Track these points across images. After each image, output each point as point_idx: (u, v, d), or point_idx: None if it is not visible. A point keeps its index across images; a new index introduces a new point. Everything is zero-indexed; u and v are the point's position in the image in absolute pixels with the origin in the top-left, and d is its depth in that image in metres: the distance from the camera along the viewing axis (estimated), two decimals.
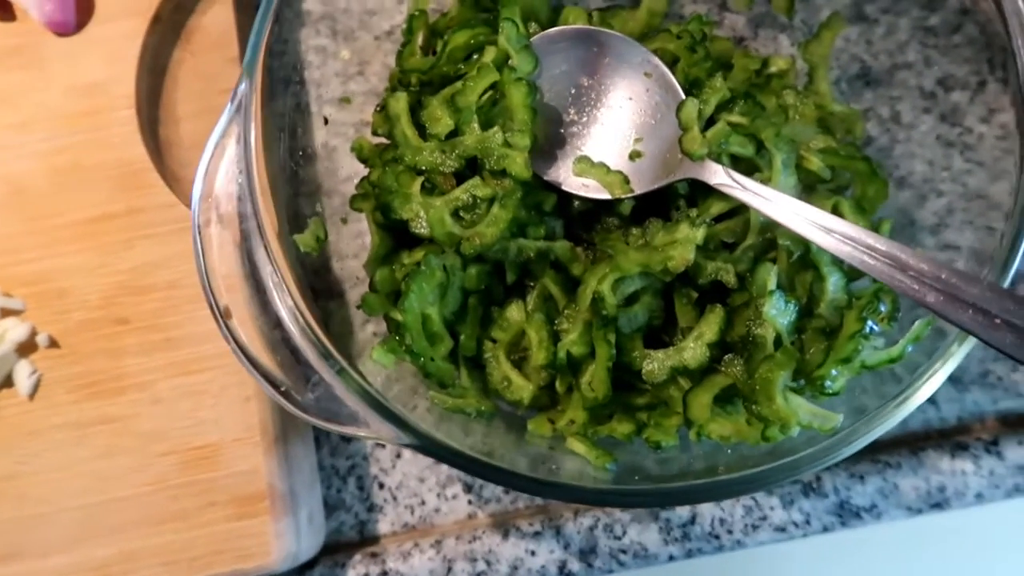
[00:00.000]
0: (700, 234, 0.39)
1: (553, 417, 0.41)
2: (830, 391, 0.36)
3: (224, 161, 0.38)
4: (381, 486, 0.47)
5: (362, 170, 0.46)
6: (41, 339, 0.43)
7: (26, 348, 0.43)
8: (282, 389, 0.36)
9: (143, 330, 0.43)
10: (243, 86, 0.38)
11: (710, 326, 0.39)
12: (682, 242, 0.39)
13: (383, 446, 0.47)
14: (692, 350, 0.39)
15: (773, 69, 0.45)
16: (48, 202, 0.44)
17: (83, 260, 0.44)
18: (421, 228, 0.41)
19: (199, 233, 0.36)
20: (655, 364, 0.39)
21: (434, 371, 0.40)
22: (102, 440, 0.42)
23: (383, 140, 0.46)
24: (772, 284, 0.38)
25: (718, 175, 0.39)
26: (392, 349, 0.39)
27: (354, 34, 0.53)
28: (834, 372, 0.36)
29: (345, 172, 0.48)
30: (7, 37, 0.47)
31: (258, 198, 0.36)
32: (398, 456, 0.47)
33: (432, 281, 0.41)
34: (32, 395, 0.42)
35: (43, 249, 0.44)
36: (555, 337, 0.41)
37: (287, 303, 0.36)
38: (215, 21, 0.47)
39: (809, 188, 0.42)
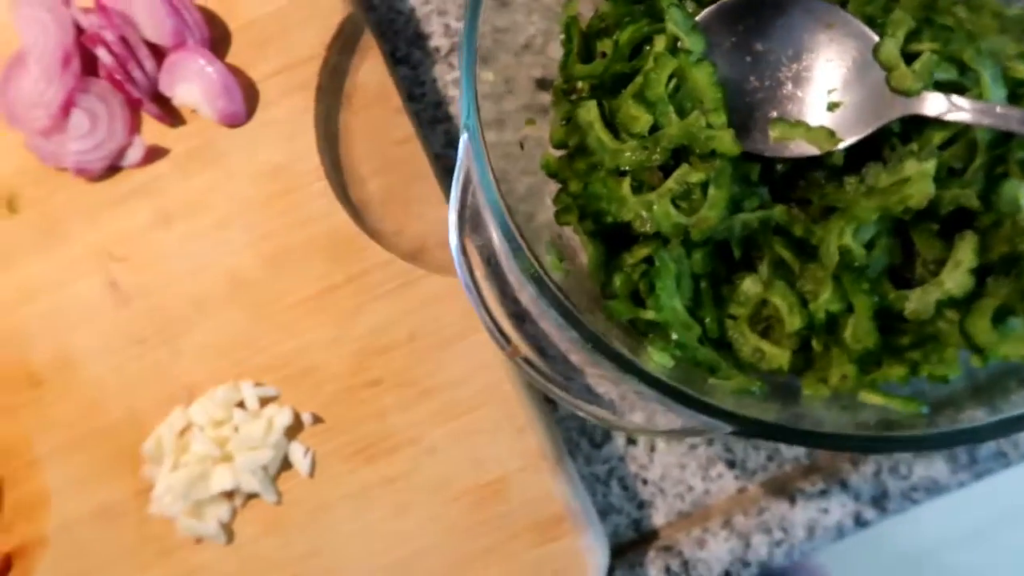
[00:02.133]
0: (932, 166, 0.39)
1: (821, 376, 0.41)
2: None
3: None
4: (645, 482, 0.47)
5: (538, 184, 0.47)
6: (305, 418, 0.44)
7: (294, 430, 0.44)
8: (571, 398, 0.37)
9: (398, 387, 0.44)
10: (464, 137, 0.39)
11: (967, 252, 0.39)
12: (916, 178, 0.39)
13: (635, 442, 0.48)
14: (954, 279, 0.39)
15: None
16: (270, 288, 0.45)
17: (320, 335, 0.45)
18: (646, 226, 0.42)
19: (468, 273, 0.37)
20: (918, 301, 0.39)
21: (703, 359, 0.40)
22: (389, 499, 0.43)
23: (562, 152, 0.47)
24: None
25: (937, 103, 0.39)
26: (664, 348, 0.39)
27: (491, 55, 0.54)
28: None
29: (520, 191, 0.49)
30: (181, 142, 0.48)
31: (515, 236, 0.37)
32: (652, 449, 0.48)
33: (670, 274, 0.41)
34: (312, 473, 0.44)
35: (279, 334, 0.45)
36: (801, 300, 0.41)
37: (557, 320, 0.36)
38: (370, 77, 0.48)
39: (1014, 97, 0.42)
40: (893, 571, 1.16)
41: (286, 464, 0.44)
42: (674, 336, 0.40)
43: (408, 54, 0.54)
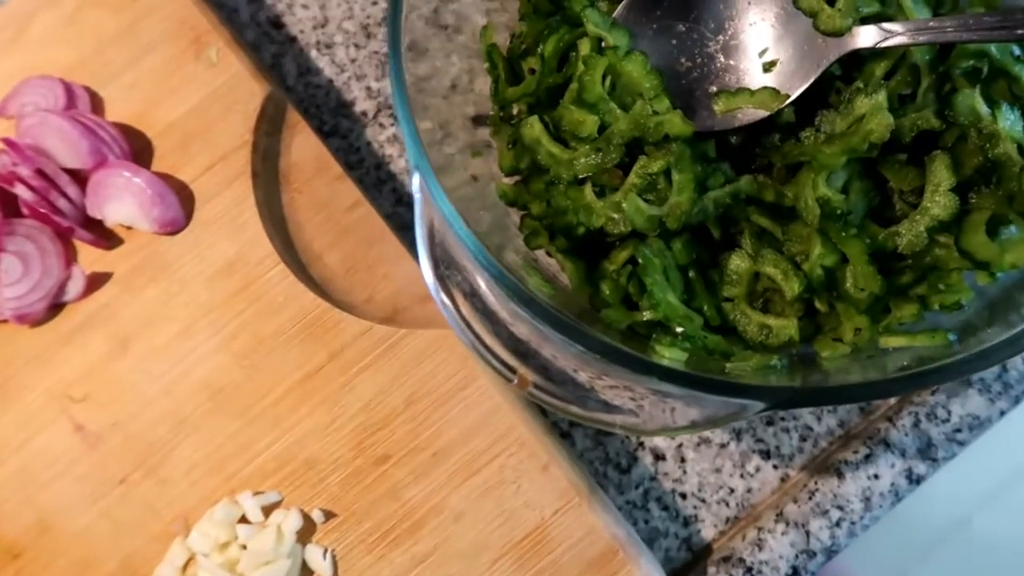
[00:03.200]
0: (883, 96, 0.38)
1: (835, 336, 0.40)
2: None
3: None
4: (684, 496, 0.45)
5: (499, 217, 0.45)
6: (316, 516, 0.41)
7: (306, 532, 0.40)
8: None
9: (407, 457, 0.41)
10: (415, 178, 0.37)
11: (942, 172, 0.38)
12: (871, 112, 0.38)
13: (663, 457, 0.45)
14: (938, 203, 0.38)
15: None
16: (250, 388, 0.43)
17: (312, 423, 0.42)
18: (619, 227, 0.40)
19: (458, 316, 0.35)
20: (908, 234, 0.38)
21: (714, 345, 0.38)
22: None
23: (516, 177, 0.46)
24: (982, 104, 0.37)
25: (870, 34, 0.39)
26: (673, 343, 0.37)
27: (422, 104, 0.53)
28: None
29: (484, 228, 0.47)
30: (123, 261, 0.45)
31: (494, 262, 0.35)
32: (683, 460, 0.45)
33: (656, 269, 0.40)
34: (336, 573, 0.40)
35: (270, 433, 0.42)
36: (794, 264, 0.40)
37: (559, 338, 0.34)
38: (304, 152, 0.47)
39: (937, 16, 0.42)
40: (921, 558, 1.13)
41: (307, 571, 0.40)
42: (679, 329, 0.38)
43: (336, 125, 0.53)
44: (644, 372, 0.33)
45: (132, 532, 0.42)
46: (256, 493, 0.41)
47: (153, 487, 0.42)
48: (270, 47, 0.54)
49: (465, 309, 0.37)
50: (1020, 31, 0.34)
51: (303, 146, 0.47)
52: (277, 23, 0.55)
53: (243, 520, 0.41)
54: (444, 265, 0.37)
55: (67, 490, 0.43)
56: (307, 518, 0.41)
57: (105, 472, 0.43)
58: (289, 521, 0.40)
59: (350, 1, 0.55)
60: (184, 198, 0.45)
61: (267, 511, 0.41)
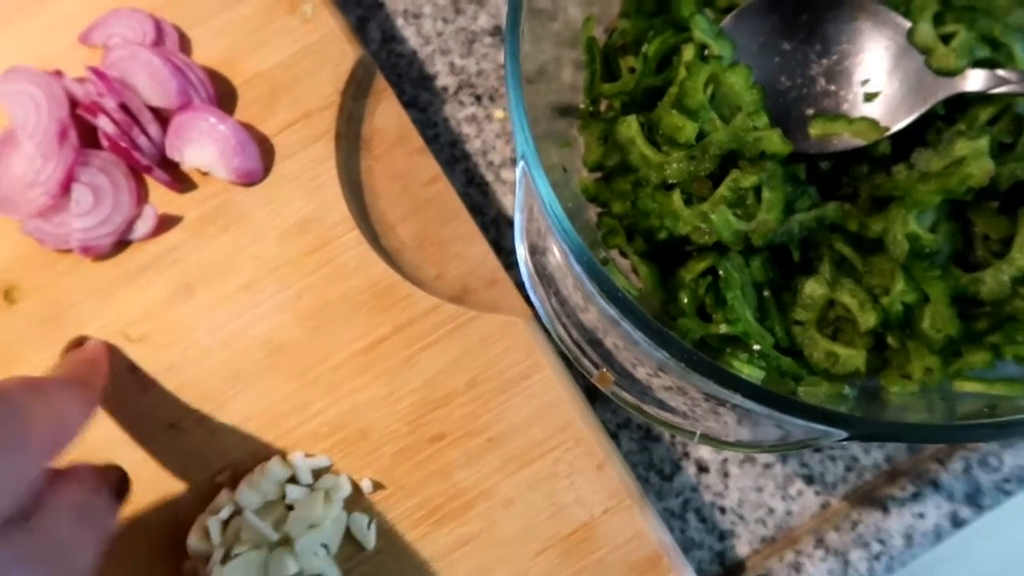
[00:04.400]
0: (985, 142, 0.38)
1: (903, 373, 0.40)
2: None
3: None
4: (723, 511, 0.45)
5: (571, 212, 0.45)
6: (365, 485, 0.40)
7: (353, 502, 0.40)
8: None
9: (462, 439, 0.41)
10: (520, 167, 0.37)
11: None
12: (972, 156, 0.38)
13: (706, 470, 0.45)
14: None
15: None
16: (311, 350, 0.42)
17: (371, 393, 0.42)
18: (704, 237, 0.40)
19: (550, 306, 0.34)
20: (992, 282, 0.39)
21: (787, 367, 0.38)
22: (470, 562, 0.39)
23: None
24: None
25: (981, 79, 0.39)
26: (750, 360, 0.38)
27: (499, 91, 0.53)
28: None
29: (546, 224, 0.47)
30: (195, 207, 0.45)
31: (590, 255, 0.34)
32: (726, 475, 0.45)
33: (737, 284, 0.40)
34: (377, 546, 0.40)
35: (326, 398, 0.42)
36: (871, 296, 0.40)
37: (643, 341, 0.34)
38: (387, 120, 0.46)
39: None
40: None
41: (348, 538, 0.40)
42: (756, 347, 0.38)
43: (415, 97, 0.52)
44: (729, 386, 0.33)
45: (177, 479, 0.42)
46: (308, 455, 0.41)
47: (203, 436, 0.42)
48: (356, 10, 0.54)
49: (554, 307, 0.37)
50: None
51: (387, 114, 0.46)
52: None
53: (292, 480, 0.41)
54: (536, 257, 0.37)
55: (114, 429, 0.43)
56: (355, 486, 0.41)
57: (154, 415, 0.42)
58: (338, 487, 0.40)
59: None
60: (264, 151, 0.45)
61: (317, 474, 0.41)
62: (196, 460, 0.42)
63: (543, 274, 0.36)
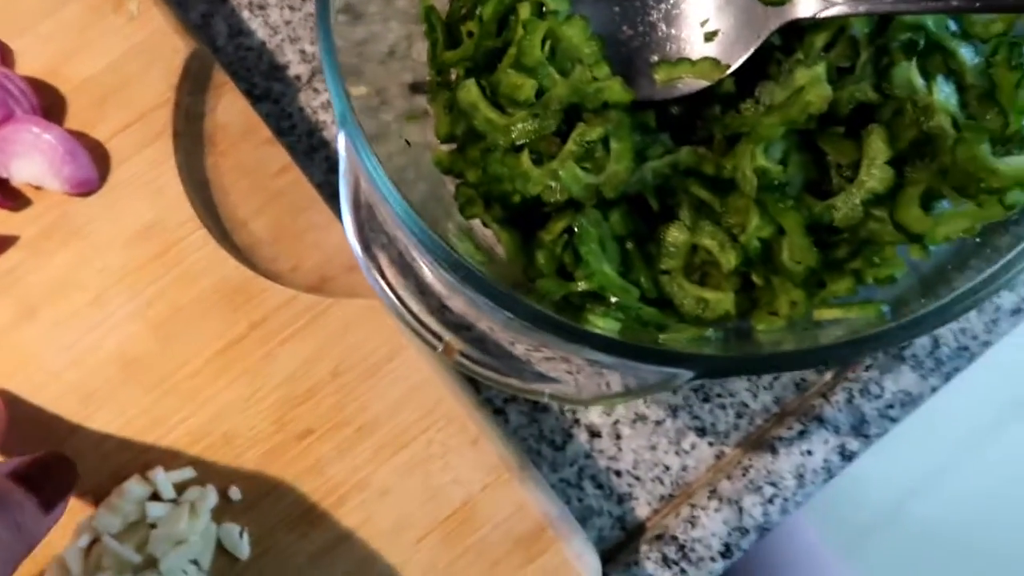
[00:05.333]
0: (822, 68, 0.38)
1: (771, 310, 0.39)
2: None
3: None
4: (618, 474, 0.44)
5: (434, 188, 0.44)
6: (233, 493, 0.39)
7: (222, 510, 0.38)
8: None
9: (331, 432, 0.39)
10: (342, 138, 0.35)
11: (878, 145, 0.38)
12: (810, 83, 0.38)
13: (599, 435, 0.44)
14: (874, 176, 0.38)
15: None
16: (167, 359, 0.40)
17: (233, 396, 0.40)
18: (555, 196, 0.39)
19: (382, 280, 0.33)
20: (844, 207, 0.38)
21: (649, 317, 0.37)
22: (352, 557, 0.38)
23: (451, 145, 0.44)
24: (918, 77, 0.37)
25: (810, 4, 0.38)
26: (606, 313, 0.36)
27: (358, 69, 0.51)
28: None
29: (418, 198, 0.46)
30: (31, 223, 0.42)
31: (420, 224, 0.33)
32: (618, 437, 0.44)
33: (592, 239, 0.39)
34: (253, 554, 0.38)
35: (187, 406, 0.40)
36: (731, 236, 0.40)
37: (488, 305, 0.33)
38: (231, 114, 0.44)
39: None
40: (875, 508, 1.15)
41: (222, 551, 0.38)
42: (613, 299, 0.37)
43: (268, 89, 0.50)
44: (576, 341, 0.31)
45: None
46: (169, 469, 0.39)
47: None
48: (200, 5, 0.51)
49: (392, 276, 0.35)
50: (955, 3, 0.34)
51: (230, 108, 0.44)
52: None
53: (155, 498, 0.39)
54: (370, 229, 0.35)
55: None
56: (223, 495, 0.39)
57: (6, 448, 0.40)
58: (204, 498, 0.38)
59: None
60: (98, 158, 0.43)
61: (181, 488, 0.39)
62: None
63: (382, 251, 0.35)
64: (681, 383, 0.31)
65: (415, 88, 0.47)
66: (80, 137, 0.43)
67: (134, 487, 0.38)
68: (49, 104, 0.43)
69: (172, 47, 0.44)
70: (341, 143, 0.34)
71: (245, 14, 0.52)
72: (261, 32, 0.51)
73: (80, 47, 0.44)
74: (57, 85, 0.44)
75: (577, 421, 0.45)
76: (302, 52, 0.51)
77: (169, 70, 0.43)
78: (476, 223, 0.43)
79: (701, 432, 0.44)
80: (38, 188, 0.43)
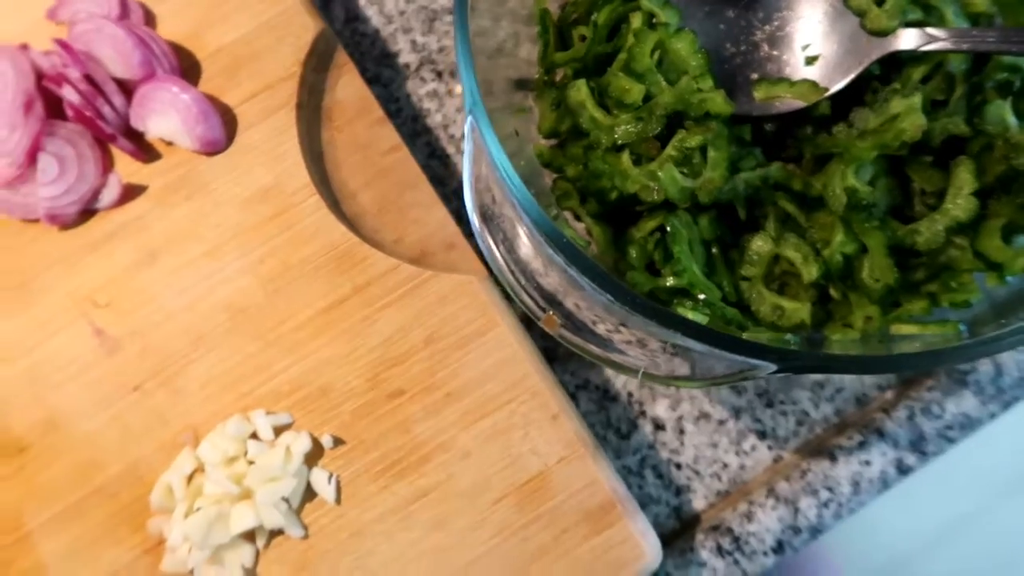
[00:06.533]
0: (919, 98, 0.40)
1: (845, 323, 0.41)
2: None
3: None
4: (678, 467, 0.46)
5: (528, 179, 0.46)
6: (325, 441, 0.41)
7: (314, 456, 0.41)
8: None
9: (420, 394, 0.42)
10: (468, 121, 0.38)
11: (966, 177, 0.40)
12: (905, 112, 0.40)
13: (663, 428, 0.46)
14: (959, 205, 0.40)
15: None
16: (272, 312, 0.43)
17: (332, 352, 0.43)
18: (652, 195, 0.41)
19: (497, 254, 0.36)
20: (927, 232, 0.40)
21: (732, 316, 0.40)
22: (428, 514, 0.40)
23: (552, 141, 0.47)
24: (1010, 115, 0.39)
25: (913, 37, 0.40)
26: (695, 308, 0.39)
27: None
28: None
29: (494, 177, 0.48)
30: (159, 176, 0.46)
31: (535, 205, 0.36)
32: (681, 432, 0.46)
33: (684, 239, 0.41)
34: (339, 499, 0.41)
35: (288, 357, 0.43)
36: (814, 250, 0.42)
37: (591, 287, 0.35)
38: (349, 93, 0.48)
39: None
40: (895, 551, 1.15)
41: (310, 494, 0.41)
42: (701, 296, 0.39)
43: (378, 74, 0.54)
44: (670, 325, 0.34)
45: (141, 439, 0.42)
46: (269, 413, 0.42)
47: (167, 397, 0.43)
48: None
49: (501, 254, 0.38)
50: None
51: (348, 86, 0.48)
52: None
53: (254, 437, 0.42)
54: (487, 211, 0.38)
55: (80, 392, 0.43)
56: (316, 442, 0.41)
57: (120, 378, 0.43)
58: (298, 442, 0.41)
59: None
60: (227, 121, 0.46)
61: (278, 431, 0.42)
62: (159, 421, 0.42)
63: (494, 226, 0.37)
64: (760, 375, 0.33)
65: (520, 84, 0.50)
66: (212, 100, 0.46)
67: (237, 424, 0.41)
68: (186, 67, 0.47)
69: (302, 24, 0.47)
70: (468, 126, 0.37)
71: (363, 1, 0.55)
72: (376, 20, 0.55)
73: (218, 18, 0.48)
74: (194, 51, 0.47)
75: (643, 413, 0.47)
76: (413, 42, 0.54)
77: (298, 46, 0.47)
78: (567, 217, 0.46)
79: (762, 435, 0.46)
80: (169, 144, 0.46)
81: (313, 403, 0.42)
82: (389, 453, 0.41)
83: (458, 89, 0.54)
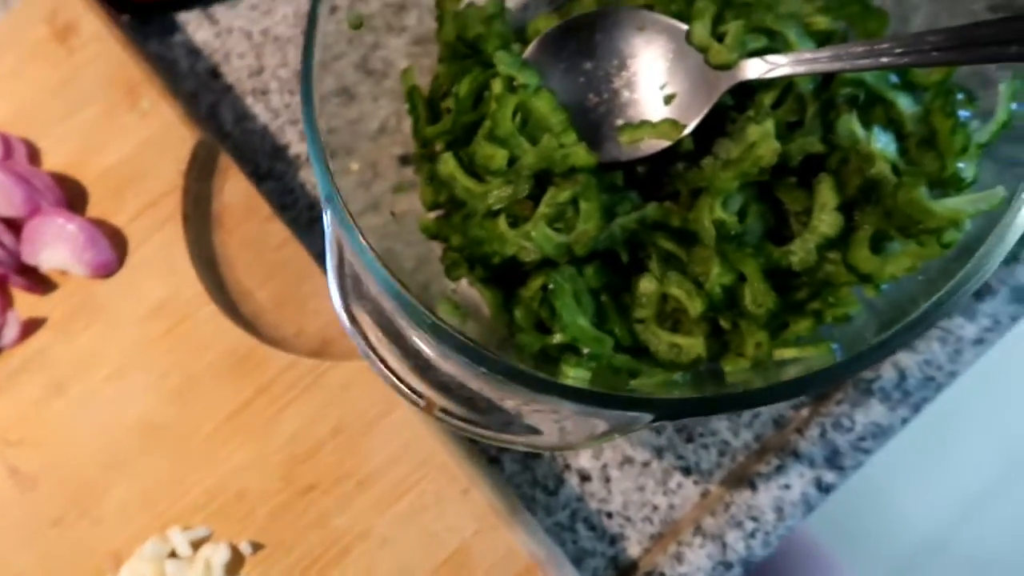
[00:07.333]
0: (770, 123, 0.41)
1: (739, 352, 0.41)
2: (968, 180, 0.38)
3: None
4: (609, 515, 0.46)
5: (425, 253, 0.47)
6: (244, 548, 0.41)
7: (235, 565, 0.41)
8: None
9: (332, 486, 0.42)
10: (328, 213, 0.39)
11: (827, 193, 0.40)
12: (760, 139, 0.41)
13: (589, 479, 0.46)
14: (825, 222, 0.40)
15: None
16: (181, 425, 0.44)
17: (243, 457, 0.43)
18: (531, 255, 0.42)
19: (365, 343, 0.36)
20: (800, 252, 0.40)
21: (621, 364, 0.40)
22: None
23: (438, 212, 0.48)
24: (858, 128, 0.40)
25: (756, 66, 0.41)
26: (580, 364, 0.39)
27: (351, 146, 0.55)
28: (960, 165, 0.38)
29: (409, 265, 0.49)
30: (58, 306, 0.47)
31: (396, 286, 0.36)
32: (607, 480, 0.46)
33: (566, 293, 0.42)
34: None
35: (201, 469, 0.43)
36: (697, 285, 0.42)
37: (463, 361, 0.36)
38: (235, 195, 0.48)
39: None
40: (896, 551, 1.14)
41: None
42: (585, 350, 0.40)
43: (271, 168, 0.55)
44: (541, 390, 0.34)
45: (67, 573, 0.42)
46: (185, 528, 0.42)
47: (88, 527, 0.43)
48: (208, 96, 0.56)
49: (378, 339, 0.38)
50: (884, 59, 0.37)
51: (234, 189, 0.49)
52: (215, 73, 0.57)
53: (173, 555, 0.42)
54: (358, 296, 0.39)
55: (2, 535, 0.43)
56: (235, 551, 0.41)
57: (40, 514, 0.43)
58: (217, 554, 0.41)
59: (284, 50, 0.57)
60: (118, 242, 0.47)
61: (196, 545, 0.42)
62: (83, 552, 0.43)
63: (368, 314, 0.38)
64: (643, 425, 0.34)
65: (405, 160, 0.51)
66: (101, 224, 0.47)
67: (154, 546, 0.41)
68: (72, 195, 0.48)
69: (180, 137, 0.48)
70: (327, 219, 0.38)
71: (249, 100, 0.56)
72: (263, 116, 0.56)
73: (99, 143, 0.49)
74: (79, 178, 0.48)
75: (568, 466, 0.47)
76: (301, 132, 0.55)
77: (178, 159, 0.48)
78: (464, 283, 0.46)
79: (686, 471, 0.46)
80: (64, 273, 0.47)
81: (230, 510, 0.42)
82: (309, 551, 0.41)
83: (354, 167, 0.55)
